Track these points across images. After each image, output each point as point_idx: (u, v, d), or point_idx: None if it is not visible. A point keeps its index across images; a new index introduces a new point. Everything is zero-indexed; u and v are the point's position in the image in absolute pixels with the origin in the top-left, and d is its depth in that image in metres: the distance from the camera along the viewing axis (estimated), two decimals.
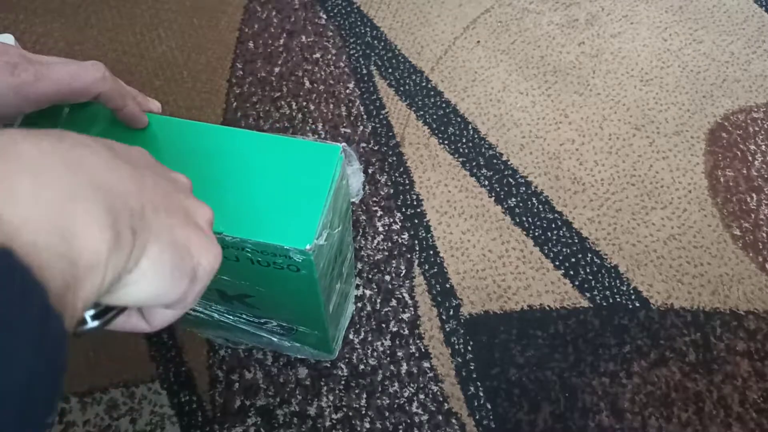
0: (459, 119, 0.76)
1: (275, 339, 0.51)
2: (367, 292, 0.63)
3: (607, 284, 0.64)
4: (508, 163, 0.72)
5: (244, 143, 0.38)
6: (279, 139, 0.38)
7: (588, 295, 0.64)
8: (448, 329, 0.61)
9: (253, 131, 0.38)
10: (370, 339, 0.60)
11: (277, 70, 0.80)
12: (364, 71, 0.80)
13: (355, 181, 0.42)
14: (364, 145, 0.73)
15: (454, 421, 0.57)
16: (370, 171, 0.71)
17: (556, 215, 0.69)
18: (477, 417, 0.57)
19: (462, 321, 0.62)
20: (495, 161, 0.72)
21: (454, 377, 0.59)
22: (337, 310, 0.53)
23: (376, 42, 0.83)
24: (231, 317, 0.49)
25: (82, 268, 0.18)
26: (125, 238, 0.20)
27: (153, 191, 0.23)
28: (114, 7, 0.86)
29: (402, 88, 0.78)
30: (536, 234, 0.67)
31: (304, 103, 0.77)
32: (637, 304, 0.63)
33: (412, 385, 0.58)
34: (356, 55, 0.81)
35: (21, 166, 0.18)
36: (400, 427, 0.56)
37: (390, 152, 0.73)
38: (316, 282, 0.39)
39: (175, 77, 0.79)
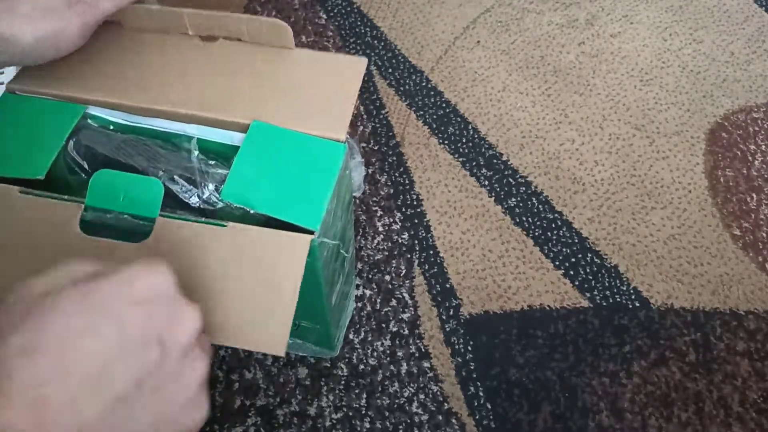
0: (459, 119, 0.76)
1: None
2: (367, 292, 0.63)
3: (607, 284, 0.64)
4: (508, 163, 0.72)
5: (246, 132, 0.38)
6: (281, 130, 0.38)
7: (588, 295, 0.64)
8: (448, 329, 0.61)
9: (255, 120, 0.38)
10: (370, 339, 0.60)
11: None
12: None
13: (357, 174, 0.42)
14: (364, 144, 0.73)
15: (454, 421, 0.57)
16: (370, 171, 0.71)
17: (556, 215, 0.69)
18: (477, 417, 0.57)
19: (462, 321, 0.62)
20: (495, 161, 0.72)
21: (454, 377, 0.59)
22: (339, 307, 0.53)
23: (376, 42, 0.83)
24: None
25: None
26: None
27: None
28: None
29: (402, 88, 0.78)
30: (536, 234, 0.67)
31: None
32: (637, 304, 0.63)
33: (412, 385, 0.58)
34: (356, 55, 0.81)
35: None
36: (400, 427, 0.56)
37: (390, 152, 0.73)
38: (319, 270, 0.39)
39: None
